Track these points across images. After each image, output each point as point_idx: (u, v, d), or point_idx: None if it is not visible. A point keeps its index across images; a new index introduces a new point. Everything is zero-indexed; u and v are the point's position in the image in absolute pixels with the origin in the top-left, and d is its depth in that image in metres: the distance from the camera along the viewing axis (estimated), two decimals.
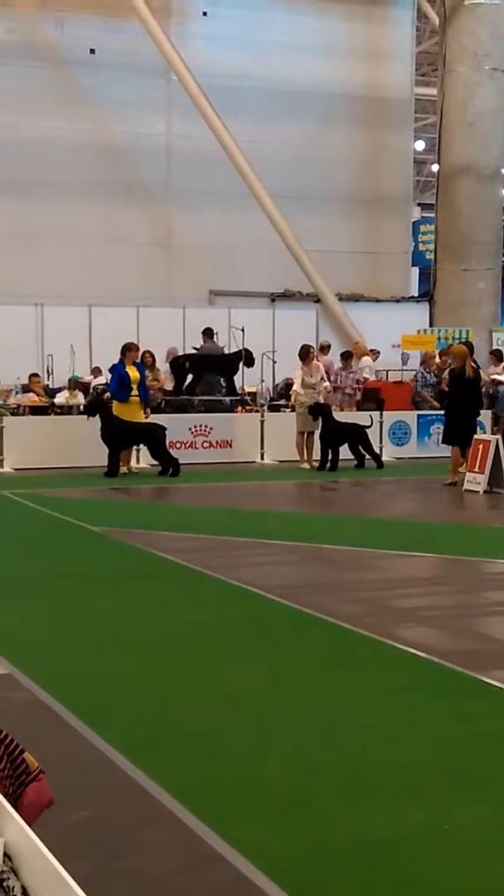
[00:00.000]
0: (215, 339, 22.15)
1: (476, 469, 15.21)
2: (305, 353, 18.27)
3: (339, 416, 18.71)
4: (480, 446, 15.26)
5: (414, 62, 30.10)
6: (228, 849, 4.02)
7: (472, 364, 16.16)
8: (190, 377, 21.62)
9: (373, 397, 20.97)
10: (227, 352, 22.22)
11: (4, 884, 2.25)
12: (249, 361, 21.56)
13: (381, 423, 19.42)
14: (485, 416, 20.90)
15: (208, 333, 21.90)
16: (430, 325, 26.75)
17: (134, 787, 4.62)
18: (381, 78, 28.94)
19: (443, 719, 5.60)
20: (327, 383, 19.30)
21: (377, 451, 18.42)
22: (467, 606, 8.56)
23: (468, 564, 10.28)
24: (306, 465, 17.95)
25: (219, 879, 3.85)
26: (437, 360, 21.78)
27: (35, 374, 22.00)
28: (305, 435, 18.08)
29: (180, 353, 22.85)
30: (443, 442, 16.53)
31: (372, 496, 14.75)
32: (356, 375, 21.36)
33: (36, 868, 2.23)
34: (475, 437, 15.80)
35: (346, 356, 21.56)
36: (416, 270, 31.58)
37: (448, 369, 17.07)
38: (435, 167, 29.34)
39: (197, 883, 3.83)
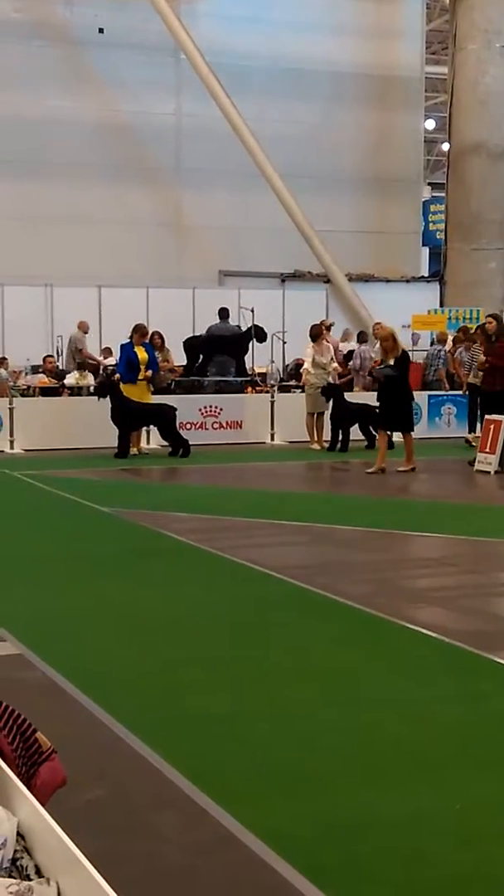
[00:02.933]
0: (229, 319, 22.11)
1: (487, 449, 15.17)
2: (317, 333, 18.20)
3: (351, 396, 18.68)
4: (492, 427, 15.22)
5: (424, 40, 29.93)
6: (241, 829, 4.03)
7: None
8: (200, 358, 21.58)
9: None
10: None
11: (18, 863, 2.25)
12: (261, 336, 21.48)
13: None
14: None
15: (223, 314, 21.84)
16: (441, 305, 26.67)
17: (147, 768, 4.63)
18: (391, 56, 28.78)
19: (454, 699, 5.60)
20: (336, 364, 19.25)
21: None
22: (478, 587, 8.55)
23: (479, 545, 10.26)
24: (316, 446, 17.92)
25: (232, 860, 3.85)
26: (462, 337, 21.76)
27: (49, 356, 22.02)
28: (316, 415, 18.04)
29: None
30: (382, 429, 15.57)
31: (382, 477, 14.71)
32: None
33: (49, 847, 2.23)
34: (486, 417, 15.74)
35: (364, 336, 21.55)
36: (426, 250, 31.47)
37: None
38: (445, 146, 29.20)
39: (210, 863, 3.83)
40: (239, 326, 22.15)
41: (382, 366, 15.38)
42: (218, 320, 21.62)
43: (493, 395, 15.79)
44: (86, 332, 21.91)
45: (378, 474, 14.76)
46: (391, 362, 15.11)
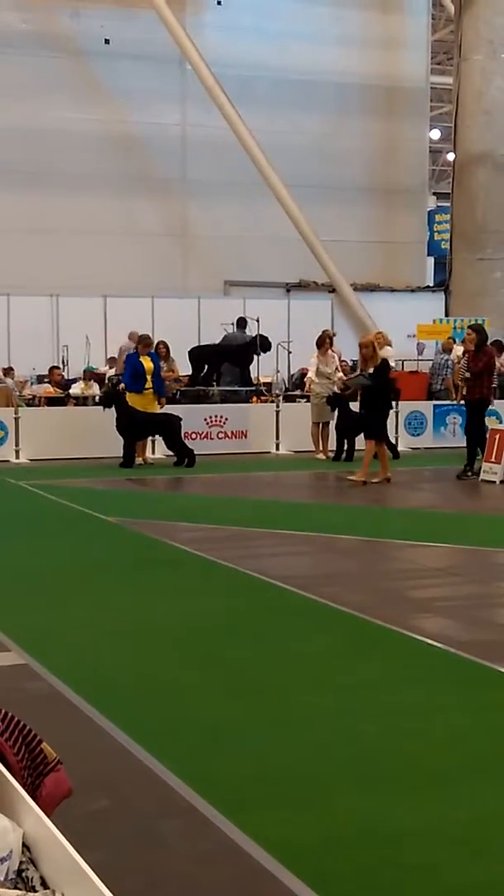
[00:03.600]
0: (247, 329, 22.17)
1: (493, 459, 15.18)
2: (322, 341, 18.21)
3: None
4: (497, 436, 15.23)
5: (429, 51, 29.99)
6: (246, 839, 4.02)
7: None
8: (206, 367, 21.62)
9: None
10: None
11: (24, 874, 2.25)
12: (265, 346, 21.51)
13: (397, 414, 19.36)
14: (500, 407, 20.86)
15: (240, 324, 21.86)
16: (446, 315, 26.67)
17: (151, 778, 4.63)
18: (397, 67, 28.84)
19: (459, 710, 5.59)
20: (341, 373, 19.25)
21: (393, 441, 18.37)
22: (484, 597, 8.54)
23: (484, 555, 10.26)
24: (321, 456, 17.92)
25: (236, 870, 3.85)
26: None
27: (56, 367, 22.06)
28: (321, 425, 18.04)
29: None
30: (366, 437, 15.43)
31: (388, 486, 14.72)
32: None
33: (54, 858, 2.23)
34: (492, 427, 15.78)
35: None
36: (431, 260, 31.48)
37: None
38: (450, 156, 29.23)
39: (214, 873, 3.83)
40: (253, 337, 22.18)
41: (357, 374, 15.45)
42: (235, 329, 21.68)
43: (472, 403, 15.72)
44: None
45: (384, 483, 14.77)
46: (370, 371, 15.15)
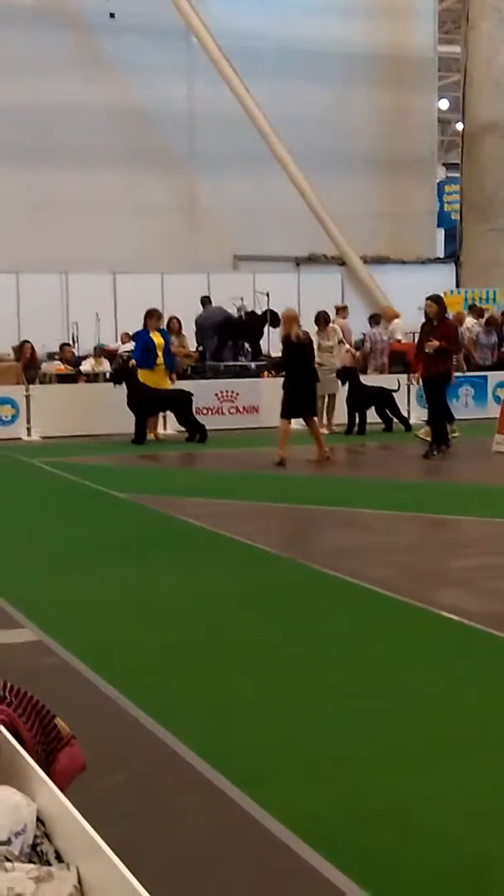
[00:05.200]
0: (240, 304, 22.04)
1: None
2: (317, 320, 18.09)
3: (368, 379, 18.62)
4: None
5: (437, 20, 29.72)
6: (263, 813, 4.01)
7: (299, 330, 14.73)
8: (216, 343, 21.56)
9: (400, 360, 20.84)
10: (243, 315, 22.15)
11: (38, 848, 2.25)
12: (275, 322, 21.44)
13: (409, 387, 19.29)
14: None
15: (204, 303, 21.69)
16: (457, 287, 26.56)
17: (166, 752, 4.62)
18: (404, 36, 28.60)
19: (477, 682, 5.57)
20: (348, 346, 19.16)
21: (405, 414, 18.32)
22: (499, 568, 8.50)
23: (499, 526, 10.22)
24: (325, 430, 17.82)
25: (253, 843, 3.84)
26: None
27: (67, 344, 22.04)
28: (326, 398, 17.93)
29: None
30: (281, 416, 14.57)
31: (400, 459, 14.69)
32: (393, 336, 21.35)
33: (69, 833, 2.22)
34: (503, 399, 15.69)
35: (377, 319, 21.48)
36: (441, 231, 31.32)
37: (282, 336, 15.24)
38: (459, 126, 29.04)
39: (231, 847, 3.82)
40: (253, 311, 22.04)
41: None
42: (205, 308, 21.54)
43: (430, 380, 14.98)
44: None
45: (323, 462, 14.49)
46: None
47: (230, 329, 21.54)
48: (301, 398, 14.45)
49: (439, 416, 15.18)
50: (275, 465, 13.94)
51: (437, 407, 15.18)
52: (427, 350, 14.71)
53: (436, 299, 15.25)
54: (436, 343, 14.57)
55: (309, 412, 14.70)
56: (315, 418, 14.97)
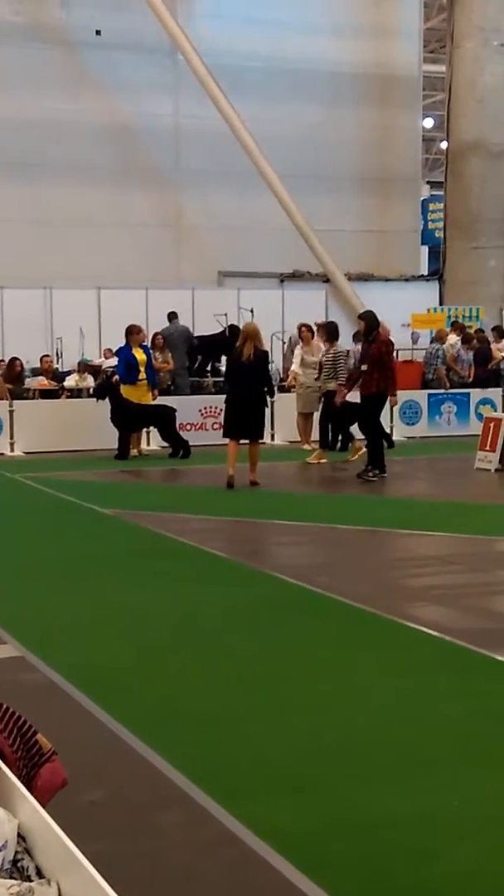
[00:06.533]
0: (227, 323, 22.05)
1: (488, 447, 15.18)
2: (300, 335, 18.06)
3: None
4: (492, 425, 15.23)
5: (422, 39, 29.88)
6: (242, 828, 4.04)
7: (257, 345, 13.74)
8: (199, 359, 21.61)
9: None
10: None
11: (19, 864, 2.26)
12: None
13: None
14: (494, 394, 20.89)
15: (171, 317, 21.63)
16: (441, 304, 26.67)
17: (147, 768, 4.64)
18: (389, 55, 28.74)
19: (455, 698, 5.61)
20: None
21: (388, 430, 18.36)
22: (479, 585, 8.56)
23: (480, 543, 10.27)
24: (307, 447, 17.84)
25: (232, 859, 3.86)
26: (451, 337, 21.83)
27: (46, 355, 22.00)
28: (307, 416, 17.95)
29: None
30: (223, 435, 14.07)
31: (382, 477, 14.69)
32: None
33: (50, 848, 2.24)
34: (486, 415, 15.73)
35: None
36: (425, 249, 31.45)
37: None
38: (444, 144, 29.20)
39: (211, 862, 3.84)
40: (234, 325, 22.04)
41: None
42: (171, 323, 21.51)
43: (369, 397, 14.45)
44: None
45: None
46: None
47: (200, 346, 21.58)
48: (241, 419, 13.65)
49: (375, 437, 14.67)
50: (227, 480, 13.48)
51: (371, 427, 14.67)
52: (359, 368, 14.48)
53: (364, 316, 14.83)
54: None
55: (255, 434, 13.82)
56: (258, 441, 13.99)
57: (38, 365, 21.94)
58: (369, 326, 14.47)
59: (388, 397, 14.55)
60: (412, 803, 4.28)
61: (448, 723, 5.23)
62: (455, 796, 4.34)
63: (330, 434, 17.02)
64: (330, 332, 16.87)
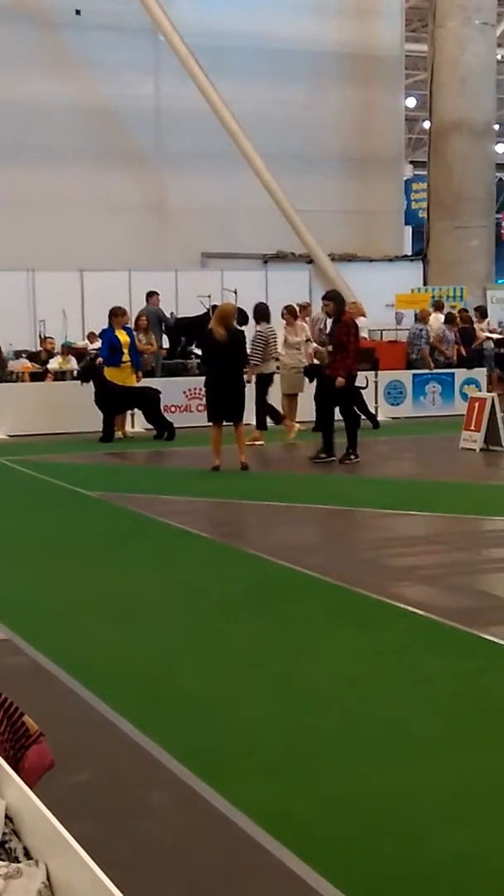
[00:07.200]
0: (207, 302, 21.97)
1: (472, 427, 15.20)
2: (284, 315, 18.02)
3: None
4: (476, 404, 15.24)
5: (404, 18, 29.78)
6: (232, 809, 4.02)
7: (230, 326, 13.61)
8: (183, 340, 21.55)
9: (367, 357, 20.87)
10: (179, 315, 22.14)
11: (7, 846, 2.24)
12: (242, 320, 21.38)
13: (377, 384, 19.34)
14: (479, 374, 20.91)
15: (148, 296, 21.50)
16: (424, 284, 26.66)
17: (136, 749, 4.62)
18: (372, 35, 28.64)
19: (443, 677, 5.60)
20: (314, 344, 19.15)
21: (373, 411, 18.36)
22: (466, 564, 8.56)
23: (466, 522, 10.27)
24: (291, 433, 17.77)
25: (223, 840, 3.85)
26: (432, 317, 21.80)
27: (49, 337, 22.10)
28: (292, 397, 17.90)
29: None
30: (208, 420, 13.86)
31: (368, 456, 14.70)
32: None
33: (38, 830, 2.22)
34: (471, 395, 15.73)
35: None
36: (409, 229, 31.43)
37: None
38: (427, 124, 29.15)
39: (201, 844, 3.83)
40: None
41: None
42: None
43: (333, 380, 14.28)
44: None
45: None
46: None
47: (183, 327, 21.50)
48: (220, 401, 13.58)
49: (351, 419, 14.54)
50: (212, 469, 13.39)
51: (346, 410, 14.55)
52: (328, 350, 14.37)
53: (331, 297, 14.73)
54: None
55: (235, 417, 13.69)
56: (241, 424, 13.85)
57: (21, 347, 21.91)
58: (338, 307, 14.35)
59: (336, 378, 14.18)
60: (402, 784, 4.27)
61: (438, 702, 5.23)
62: (445, 777, 4.33)
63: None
64: (258, 312, 16.97)
